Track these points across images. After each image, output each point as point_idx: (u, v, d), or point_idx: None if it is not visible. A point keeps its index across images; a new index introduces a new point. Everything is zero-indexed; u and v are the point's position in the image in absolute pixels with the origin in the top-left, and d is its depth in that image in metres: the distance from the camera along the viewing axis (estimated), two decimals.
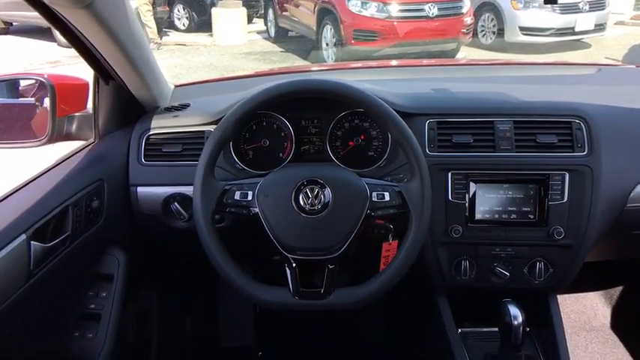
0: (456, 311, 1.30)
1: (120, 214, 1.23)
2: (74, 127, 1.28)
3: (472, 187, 1.18)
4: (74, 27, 0.96)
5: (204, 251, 1.01)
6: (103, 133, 1.27)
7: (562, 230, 1.16)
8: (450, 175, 1.18)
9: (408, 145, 1.02)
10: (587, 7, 7.14)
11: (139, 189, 1.24)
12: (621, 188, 1.21)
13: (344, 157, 1.25)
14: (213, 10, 8.66)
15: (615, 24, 8.92)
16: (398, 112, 1.05)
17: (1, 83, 1.26)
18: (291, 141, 1.25)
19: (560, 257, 1.20)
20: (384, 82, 1.49)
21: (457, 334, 1.26)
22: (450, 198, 1.18)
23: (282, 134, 1.26)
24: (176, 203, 1.23)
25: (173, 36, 9.09)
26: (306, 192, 1.00)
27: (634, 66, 2.08)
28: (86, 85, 1.28)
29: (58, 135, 1.24)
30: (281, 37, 8.59)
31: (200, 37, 8.84)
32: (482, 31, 7.61)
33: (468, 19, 6.80)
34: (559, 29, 7.18)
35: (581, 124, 1.18)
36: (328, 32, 6.79)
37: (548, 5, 7.14)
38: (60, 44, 7.75)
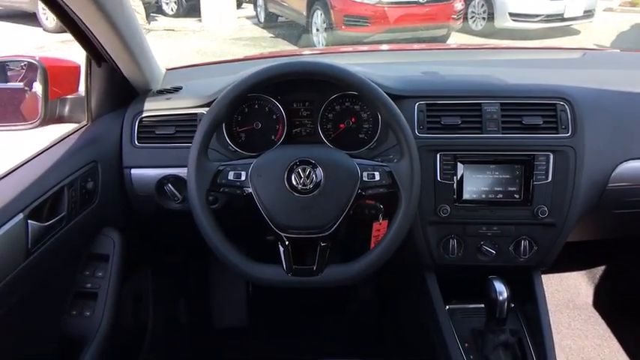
0: (444, 288, 1.33)
1: (114, 195, 1.25)
2: (66, 109, 1.29)
3: (460, 167, 1.21)
4: (68, 7, 0.97)
5: (199, 231, 1.03)
6: (96, 116, 1.28)
7: (546, 209, 1.20)
8: (438, 156, 1.21)
9: (398, 127, 1.05)
10: None
11: (133, 171, 1.26)
12: (603, 168, 1.25)
13: (335, 140, 1.27)
14: None
15: (604, 10, 8.98)
16: (388, 94, 1.07)
17: None
18: (283, 123, 1.27)
19: (544, 235, 1.24)
20: (374, 65, 1.51)
21: (445, 311, 1.30)
22: (438, 178, 1.21)
23: (274, 117, 1.28)
24: (170, 185, 1.25)
25: (161, 21, 8.97)
26: (299, 172, 1.03)
27: (618, 50, 2.11)
28: (77, 67, 1.28)
29: (51, 117, 1.25)
30: (271, 23, 8.52)
31: (189, 22, 8.74)
32: (473, 17, 7.62)
33: (459, 5, 6.80)
34: (548, 15, 7.22)
35: (566, 106, 1.21)
36: (318, 17, 6.75)
37: None
38: (45, 29, 7.62)
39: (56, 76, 1.22)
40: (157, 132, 1.26)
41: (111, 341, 1.14)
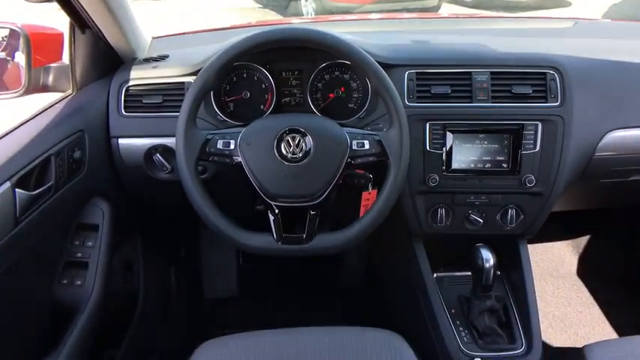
0: (432, 257, 1.36)
1: (102, 165, 1.24)
2: (51, 78, 1.26)
3: (449, 137, 1.21)
4: None
5: (189, 200, 1.03)
6: (81, 85, 1.26)
7: (533, 178, 1.21)
8: (427, 125, 1.21)
9: (388, 95, 1.04)
10: None
11: (121, 141, 1.24)
12: (590, 138, 1.26)
13: (324, 109, 1.26)
14: None
15: None
16: (378, 62, 1.06)
17: None
18: (272, 93, 1.26)
19: (531, 204, 1.26)
20: (364, 34, 1.50)
21: (432, 278, 1.33)
22: (427, 148, 1.21)
23: (263, 86, 1.26)
24: (158, 155, 1.24)
25: None
26: (288, 140, 1.02)
27: (609, 20, 2.11)
28: (61, 35, 1.25)
29: (35, 86, 1.22)
30: None
31: None
32: None
33: None
34: None
35: (556, 75, 1.21)
36: None
37: None
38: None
39: (39, 43, 1.19)
40: (144, 101, 1.24)
41: (102, 310, 1.15)
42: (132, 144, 1.25)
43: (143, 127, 1.24)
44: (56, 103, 1.19)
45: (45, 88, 1.27)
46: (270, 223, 1.05)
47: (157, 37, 1.54)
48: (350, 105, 1.27)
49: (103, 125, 1.23)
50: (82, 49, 1.24)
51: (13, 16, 1.27)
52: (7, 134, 1.02)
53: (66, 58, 1.27)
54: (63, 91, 1.27)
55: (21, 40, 1.17)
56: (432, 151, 1.21)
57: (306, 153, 1.02)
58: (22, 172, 0.93)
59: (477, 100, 1.20)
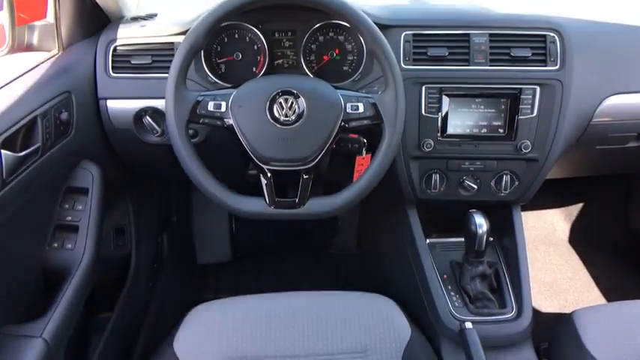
0: (425, 223, 1.35)
1: (91, 127, 1.21)
2: (35, 37, 1.22)
3: (445, 101, 1.19)
4: None
5: (180, 163, 1.01)
6: (67, 44, 1.21)
7: (529, 144, 1.20)
8: (423, 88, 1.18)
9: (383, 56, 1.01)
10: None
11: (109, 102, 1.21)
12: (588, 103, 1.24)
13: (318, 72, 1.23)
14: None
15: None
16: (374, 22, 1.03)
17: None
18: (265, 54, 1.22)
19: (526, 170, 1.25)
20: None
21: (425, 244, 1.33)
22: (423, 112, 1.19)
23: (255, 47, 1.23)
24: (148, 117, 1.21)
25: None
26: (281, 102, 1.00)
27: None
28: None
29: (19, 45, 1.18)
30: None
31: None
32: None
33: None
34: None
35: (556, 37, 1.18)
36: None
37: None
38: None
39: (22, 0, 1.15)
40: (132, 62, 1.21)
41: (94, 274, 1.14)
42: (121, 106, 1.22)
43: (132, 88, 1.21)
44: (42, 63, 1.15)
45: (30, 47, 1.23)
46: (262, 187, 1.03)
47: None
48: (344, 68, 1.24)
49: (90, 86, 1.20)
50: (67, 6, 1.19)
51: None
52: None
53: (50, 17, 1.23)
54: (49, 51, 1.22)
55: None
56: (427, 115, 1.19)
57: (299, 115, 1.00)
58: (7, 133, 0.90)
59: (475, 63, 1.18)
